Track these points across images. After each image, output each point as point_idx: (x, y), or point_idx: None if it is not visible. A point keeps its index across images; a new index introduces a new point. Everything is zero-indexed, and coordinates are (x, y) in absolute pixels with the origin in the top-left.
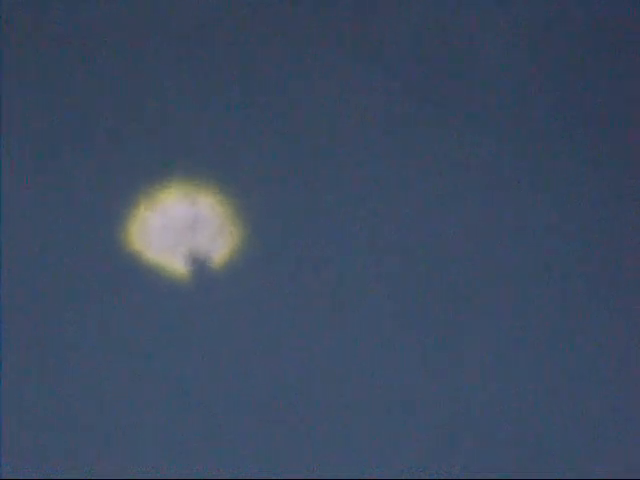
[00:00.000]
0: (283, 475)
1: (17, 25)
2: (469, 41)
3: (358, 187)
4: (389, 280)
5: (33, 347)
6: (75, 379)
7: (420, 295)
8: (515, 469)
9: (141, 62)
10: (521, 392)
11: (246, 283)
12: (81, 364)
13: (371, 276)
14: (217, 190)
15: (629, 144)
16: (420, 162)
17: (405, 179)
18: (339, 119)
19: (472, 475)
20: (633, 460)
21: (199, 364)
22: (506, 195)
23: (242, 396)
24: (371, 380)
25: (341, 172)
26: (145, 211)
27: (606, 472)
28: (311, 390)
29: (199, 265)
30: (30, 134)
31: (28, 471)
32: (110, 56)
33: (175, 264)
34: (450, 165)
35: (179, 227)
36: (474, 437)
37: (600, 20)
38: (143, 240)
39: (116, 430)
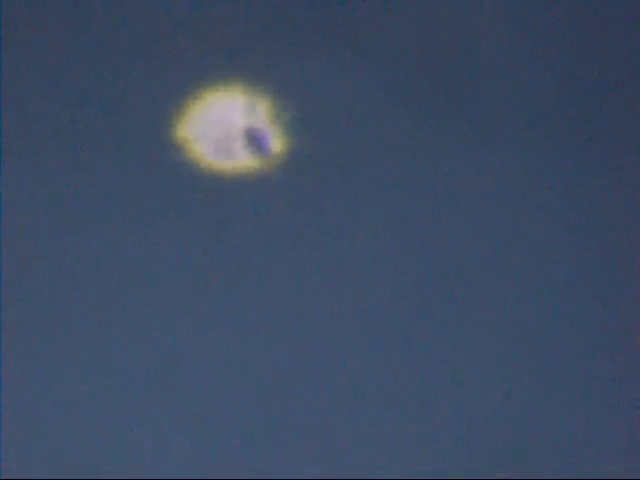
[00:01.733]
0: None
1: (17, 25)
2: (473, 45)
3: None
4: (397, 280)
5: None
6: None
7: (426, 298)
8: (516, 469)
9: None
10: (522, 392)
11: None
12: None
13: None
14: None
15: None
16: (421, 168)
17: (407, 183)
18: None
19: (472, 475)
20: (633, 460)
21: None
22: (510, 202)
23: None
24: (373, 376)
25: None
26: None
27: (606, 472)
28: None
29: (262, 156)
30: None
31: (28, 470)
32: None
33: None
34: (453, 171)
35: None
36: (475, 437)
37: (613, 26)
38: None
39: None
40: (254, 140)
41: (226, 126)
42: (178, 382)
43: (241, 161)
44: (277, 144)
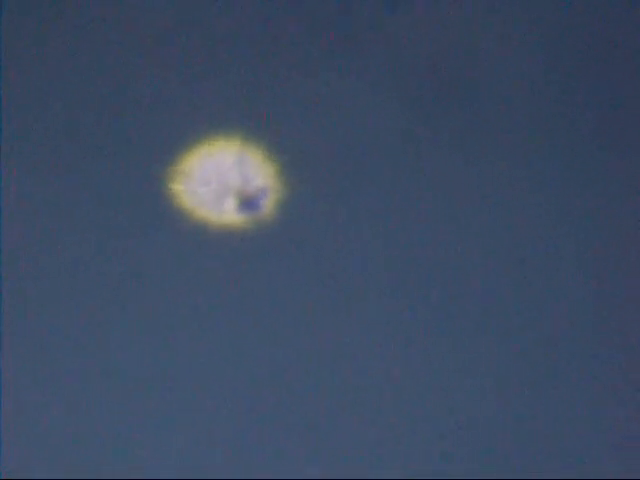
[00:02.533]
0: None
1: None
2: (476, 51)
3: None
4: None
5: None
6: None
7: (429, 301)
8: (515, 470)
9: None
10: (522, 393)
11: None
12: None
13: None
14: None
15: None
16: (424, 182)
17: (410, 195)
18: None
19: (472, 475)
20: (633, 460)
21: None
22: (513, 208)
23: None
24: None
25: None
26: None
27: (606, 472)
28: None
29: (253, 213)
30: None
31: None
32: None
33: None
34: (457, 183)
35: (229, 177)
36: (474, 439)
37: (615, 30)
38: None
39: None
40: (247, 199)
41: (219, 180)
42: (178, 383)
43: (232, 216)
44: (270, 199)
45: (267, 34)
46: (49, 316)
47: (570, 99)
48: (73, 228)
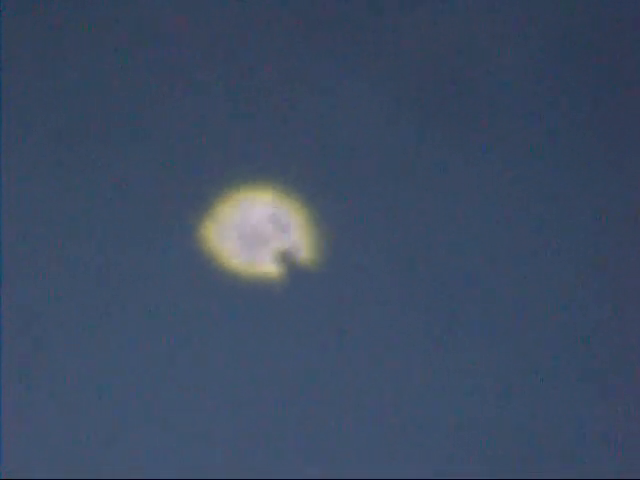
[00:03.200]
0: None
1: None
2: (479, 56)
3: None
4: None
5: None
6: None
7: (435, 305)
8: (515, 470)
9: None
10: (522, 395)
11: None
12: (171, 373)
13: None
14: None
15: None
16: (425, 183)
17: (411, 195)
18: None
19: (472, 476)
20: (633, 461)
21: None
22: (518, 214)
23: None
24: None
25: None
26: (225, 214)
27: (606, 472)
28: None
29: (288, 264)
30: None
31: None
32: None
33: (263, 266)
34: (457, 184)
35: (263, 229)
36: (474, 440)
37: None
38: (226, 244)
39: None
40: (283, 252)
41: (255, 231)
42: (178, 384)
43: (267, 267)
44: (305, 251)
45: (267, 37)
46: (49, 317)
47: (570, 99)
48: (100, 280)
